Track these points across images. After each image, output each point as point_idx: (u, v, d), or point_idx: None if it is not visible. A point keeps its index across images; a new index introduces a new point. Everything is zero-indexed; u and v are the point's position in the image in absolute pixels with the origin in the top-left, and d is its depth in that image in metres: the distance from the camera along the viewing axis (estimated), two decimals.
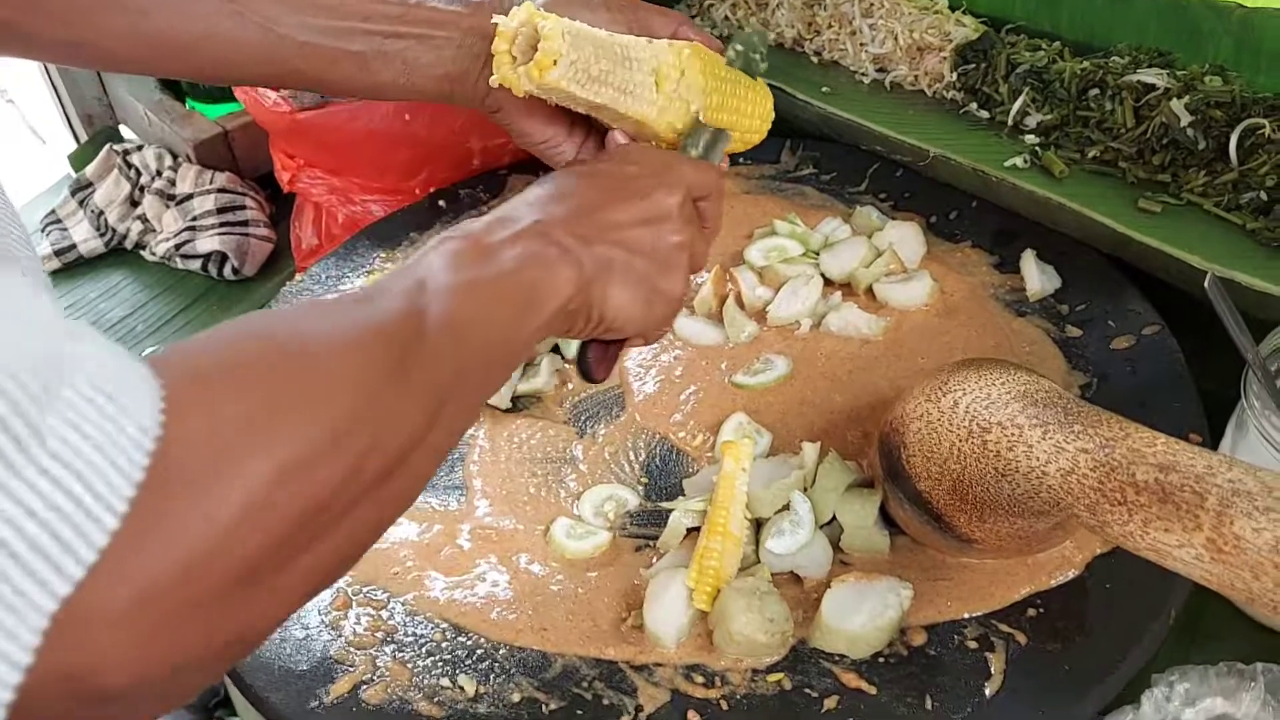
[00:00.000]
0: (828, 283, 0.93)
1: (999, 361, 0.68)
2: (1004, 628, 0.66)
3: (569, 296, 0.57)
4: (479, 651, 0.70)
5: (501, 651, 0.69)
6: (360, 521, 0.42)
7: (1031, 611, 0.67)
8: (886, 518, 0.74)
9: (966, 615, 0.67)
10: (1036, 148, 0.95)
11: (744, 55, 0.81)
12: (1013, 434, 0.60)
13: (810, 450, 0.76)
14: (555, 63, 0.65)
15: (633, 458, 0.84)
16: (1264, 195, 0.85)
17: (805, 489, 0.75)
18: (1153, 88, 0.95)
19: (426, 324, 0.47)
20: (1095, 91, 0.97)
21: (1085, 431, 0.57)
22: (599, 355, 0.68)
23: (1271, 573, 0.48)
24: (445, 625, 0.72)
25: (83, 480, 0.31)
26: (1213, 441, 0.75)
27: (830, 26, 1.15)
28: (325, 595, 0.74)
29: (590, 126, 0.78)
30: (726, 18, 1.21)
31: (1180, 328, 0.84)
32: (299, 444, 0.37)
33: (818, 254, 0.95)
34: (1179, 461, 0.53)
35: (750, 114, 0.81)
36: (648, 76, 0.70)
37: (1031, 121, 0.99)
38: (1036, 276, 0.89)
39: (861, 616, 0.66)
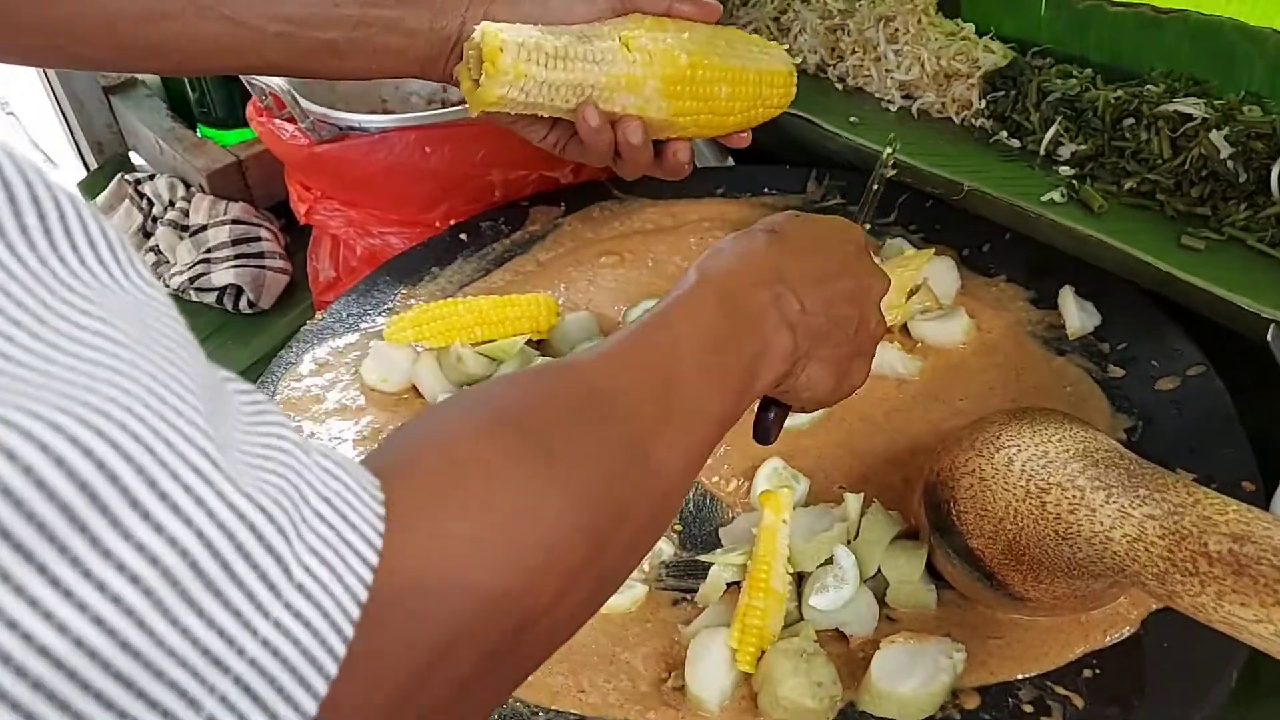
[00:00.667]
0: None
1: (1051, 413, 0.66)
2: (1060, 690, 0.64)
3: (787, 365, 0.57)
4: (516, 717, 0.68)
5: (540, 717, 0.67)
6: (571, 619, 0.41)
7: (1087, 672, 0.65)
8: (932, 570, 0.72)
9: (1020, 676, 0.65)
10: (1073, 180, 0.93)
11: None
12: (1074, 496, 0.58)
13: (853, 501, 0.74)
14: (501, 82, 0.67)
15: None
16: None
17: (849, 541, 0.73)
18: (1190, 118, 0.93)
19: (672, 410, 0.47)
20: (1130, 121, 0.95)
21: (1151, 496, 0.55)
22: (779, 419, 0.68)
23: None
24: None
25: (321, 610, 0.29)
26: (1266, 489, 0.73)
27: (854, 52, 1.14)
28: None
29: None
30: None
31: (1222, 365, 0.82)
32: (521, 570, 0.36)
33: None
34: (1254, 532, 0.51)
35: (765, 71, 0.78)
36: (612, 43, 0.70)
37: (1065, 152, 0.97)
38: (1076, 314, 0.87)
39: (913, 680, 0.64)
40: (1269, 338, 0.63)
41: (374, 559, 0.31)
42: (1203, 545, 0.52)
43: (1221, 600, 0.51)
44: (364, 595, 0.30)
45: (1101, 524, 0.56)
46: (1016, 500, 0.61)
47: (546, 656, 0.41)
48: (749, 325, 0.55)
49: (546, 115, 0.73)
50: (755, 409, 0.67)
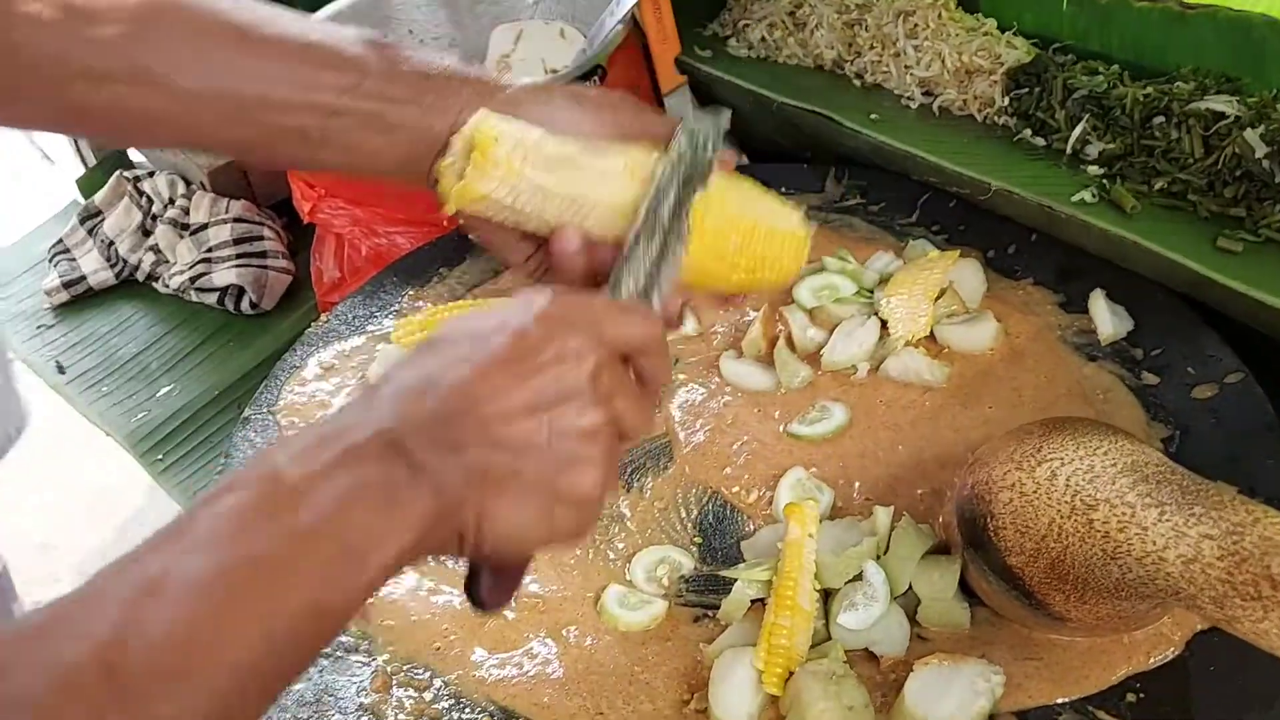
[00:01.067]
0: (884, 323, 0.88)
1: (1093, 424, 0.63)
2: (1102, 714, 0.62)
3: (421, 533, 0.45)
4: None
5: None
6: None
7: (1131, 696, 0.62)
8: (963, 587, 0.69)
9: (1060, 700, 0.63)
10: (1103, 180, 0.90)
11: (690, 150, 0.62)
12: (1123, 513, 0.55)
13: (883, 515, 0.71)
14: (490, 175, 0.57)
15: (684, 515, 0.79)
16: None
17: (878, 557, 0.70)
18: (1222, 116, 0.90)
19: (131, 658, 0.38)
20: (1160, 119, 0.92)
21: (1208, 515, 0.52)
22: (491, 582, 0.51)
23: None
24: (494, 709, 0.67)
25: None
26: None
27: (872, 48, 1.11)
28: (364, 674, 0.69)
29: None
30: (763, 38, 1.16)
31: (1260, 372, 0.79)
32: None
33: (871, 292, 0.90)
34: None
35: (778, 231, 0.63)
36: (618, 163, 0.60)
37: (1092, 151, 0.94)
38: (1108, 318, 0.84)
39: (949, 705, 0.61)
40: None
41: None
42: (1265, 568, 0.49)
43: None
44: None
45: (1154, 543, 0.54)
46: (1061, 517, 0.58)
47: None
48: (324, 528, 0.43)
49: (530, 229, 0.61)
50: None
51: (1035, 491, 0.60)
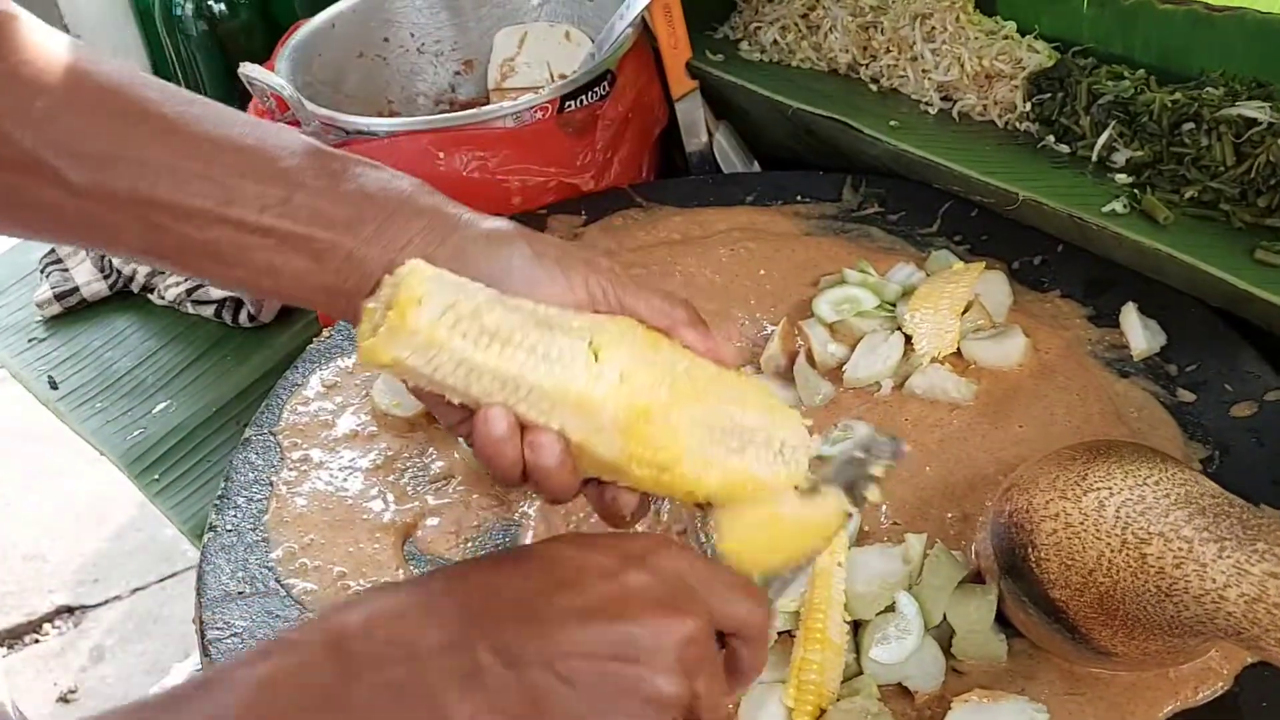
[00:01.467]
0: (909, 338, 0.85)
1: (1139, 449, 0.60)
2: None
3: None
4: None
5: None
6: None
7: None
8: (999, 617, 0.66)
9: None
10: (1133, 189, 0.87)
11: (846, 465, 0.56)
12: (1179, 548, 0.52)
13: (916, 542, 0.68)
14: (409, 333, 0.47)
15: (703, 539, 0.76)
16: None
17: (910, 586, 0.67)
18: (1255, 122, 0.87)
19: None
20: (1189, 126, 0.89)
21: (1271, 551, 0.49)
22: None
23: None
24: None
25: None
26: None
27: (889, 51, 1.08)
28: None
29: None
30: (775, 41, 1.13)
31: None
32: None
33: (893, 305, 0.87)
34: None
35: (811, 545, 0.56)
36: (579, 343, 0.51)
37: (1119, 158, 0.91)
38: (1140, 333, 0.81)
39: None
40: None
41: None
42: None
43: None
44: None
45: (1214, 581, 0.51)
46: (1111, 551, 0.55)
47: None
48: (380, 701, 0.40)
49: (456, 401, 0.51)
50: None
51: (1082, 523, 0.57)
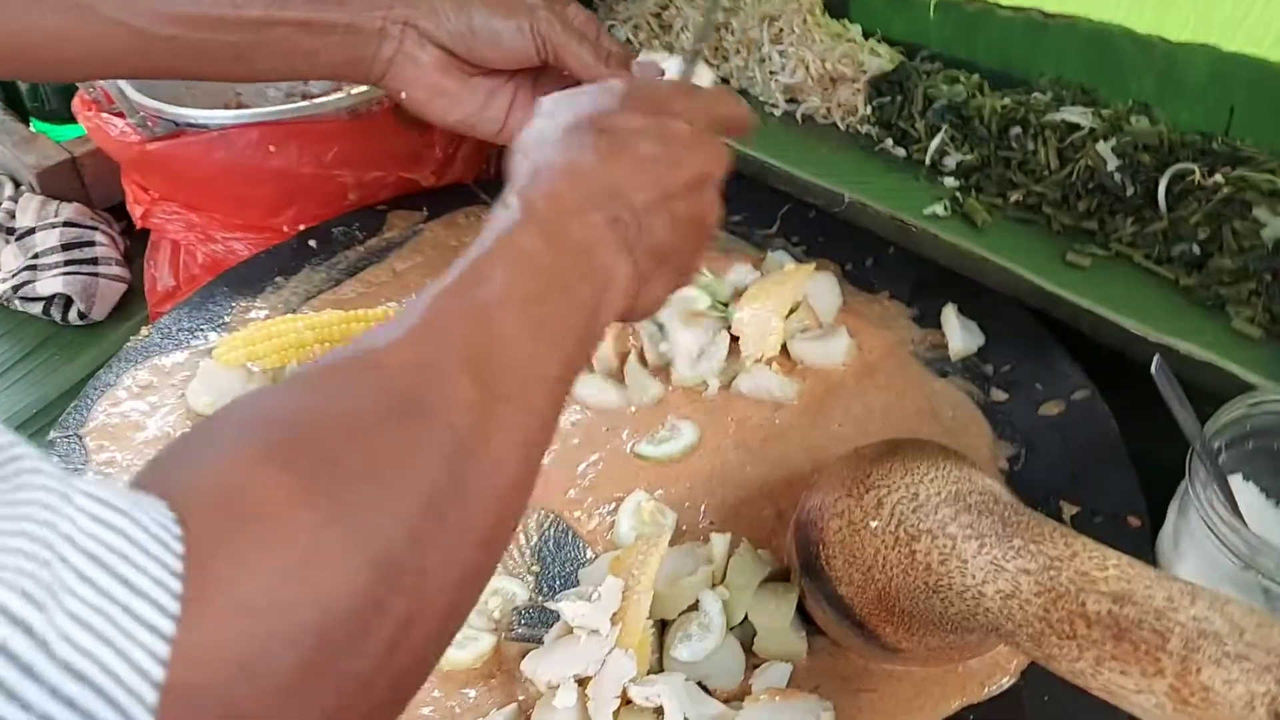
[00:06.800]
0: (734, 338, 0.85)
1: (925, 446, 0.60)
2: None
3: (623, 307, 0.49)
4: None
5: None
6: (415, 663, 0.36)
7: None
8: (804, 612, 0.66)
9: None
10: (957, 193, 0.88)
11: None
12: (944, 545, 0.53)
13: (720, 542, 0.68)
14: None
15: (522, 541, 0.75)
16: (1196, 248, 0.79)
17: (715, 585, 0.67)
18: (1077, 127, 0.89)
19: (498, 387, 0.39)
20: (1017, 130, 0.91)
21: (1026, 548, 0.50)
22: None
23: None
24: None
25: (105, 696, 0.25)
26: (1153, 520, 0.69)
27: (739, 52, 1.08)
28: None
29: (515, 88, 0.72)
30: (628, 40, 1.13)
31: (1106, 385, 0.78)
32: (332, 629, 0.31)
33: (726, 305, 0.87)
34: (1135, 591, 0.46)
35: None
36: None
37: (950, 162, 0.93)
38: (959, 334, 0.83)
39: None
40: (1153, 370, 0.59)
41: (169, 628, 0.27)
42: (1080, 605, 0.47)
43: (1100, 667, 0.46)
44: (159, 674, 0.26)
45: (974, 577, 0.51)
46: (886, 548, 0.56)
47: (400, 703, 0.36)
48: (584, 260, 0.46)
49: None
50: None
51: (862, 520, 0.57)
